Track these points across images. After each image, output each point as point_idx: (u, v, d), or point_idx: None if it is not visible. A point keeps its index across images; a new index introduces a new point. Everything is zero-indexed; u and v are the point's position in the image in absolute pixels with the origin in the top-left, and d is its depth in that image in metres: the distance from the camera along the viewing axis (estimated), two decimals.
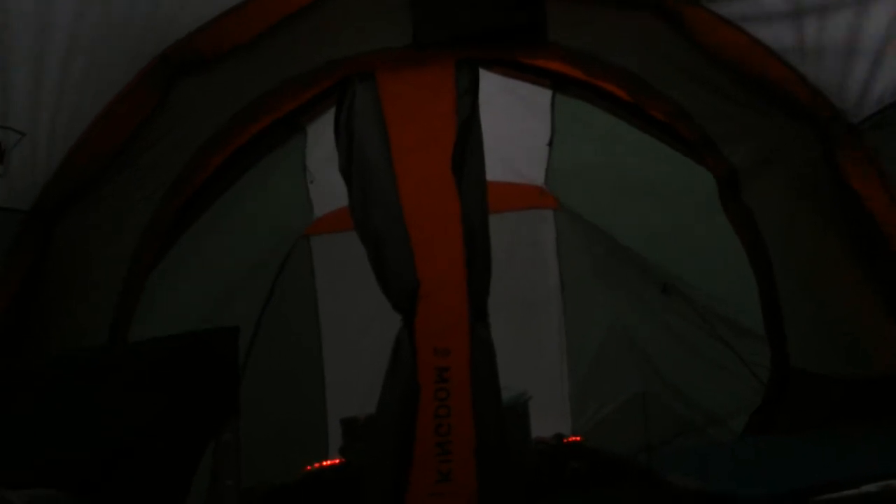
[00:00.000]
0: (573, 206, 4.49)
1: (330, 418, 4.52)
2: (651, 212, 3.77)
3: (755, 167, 2.84)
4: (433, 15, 2.64)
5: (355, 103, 2.82)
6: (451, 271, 2.78)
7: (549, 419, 4.48)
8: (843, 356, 2.80)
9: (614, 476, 3.72)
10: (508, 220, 4.41)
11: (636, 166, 3.61)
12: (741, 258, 3.03)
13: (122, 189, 2.56)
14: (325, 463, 4.42)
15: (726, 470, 2.23)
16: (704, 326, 3.77)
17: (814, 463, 2.15)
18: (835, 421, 2.62)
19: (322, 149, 3.52)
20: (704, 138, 2.84)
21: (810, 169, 2.69)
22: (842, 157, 2.59)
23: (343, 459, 4.26)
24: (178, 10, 2.41)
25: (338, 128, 2.94)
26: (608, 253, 4.37)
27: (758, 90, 2.69)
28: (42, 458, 1.59)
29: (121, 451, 1.67)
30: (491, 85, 3.10)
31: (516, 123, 3.90)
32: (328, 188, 3.92)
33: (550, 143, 4.05)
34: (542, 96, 3.63)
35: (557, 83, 3.20)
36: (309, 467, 4.34)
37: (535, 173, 4.46)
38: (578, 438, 4.55)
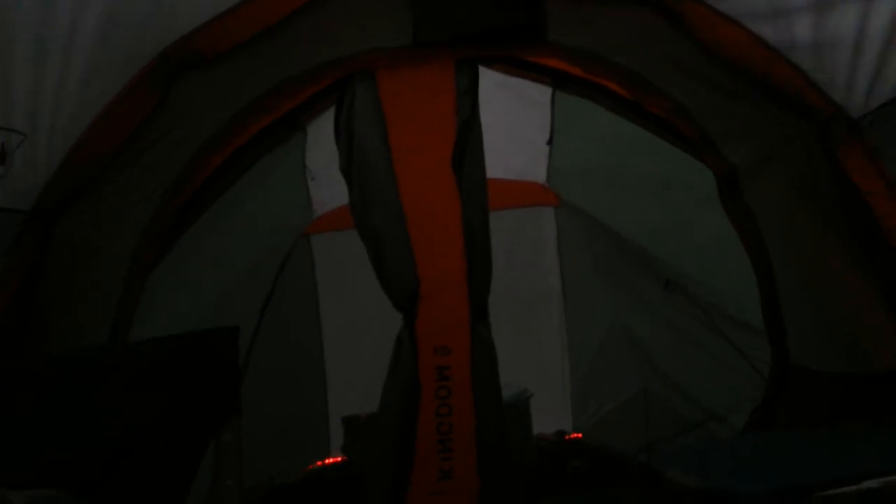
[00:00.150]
0: (575, 203, 4.49)
1: (331, 417, 4.53)
2: (653, 208, 3.77)
3: (755, 166, 2.84)
4: (433, 14, 2.64)
5: (355, 103, 2.82)
6: (452, 270, 2.78)
7: (551, 417, 4.48)
8: (843, 353, 2.80)
9: (615, 474, 3.73)
10: (509, 218, 4.40)
11: (637, 163, 3.61)
12: (743, 253, 3.03)
13: (122, 189, 2.56)
14: (327, 461, 4.43)
15: (727, 467, 2.22)
16: (706, 322, 3.77)
17: (814, 460, 2.14)
18: (835, 418, 2.62)
19: (322, 147, 3.52)
20: (704, 137, 2.83)
21: (811, 167, 2.68)
22: (843, 154, 2.58)
23: (345, 458, 4.27)
24: (178, 10, 2.41)
25: (338, 127, 2.94)
26: (609, 250, 4.37)
27: (758, 87, 2.67)
28: (42, 458, 1.60)
29: (121, 451, 1.68)
30: (491, 82, 3.10)
31: (516, 121, 3.90)
32: (328, 187, 3.93)
33: (550, 141, 4.05)
34: (542, 94, 3.62)
35: (558, 80, 3.20)
36: (311, 466, 4.35)
37: (535, 171, 4.45)
38: (580, 436, 4.56)
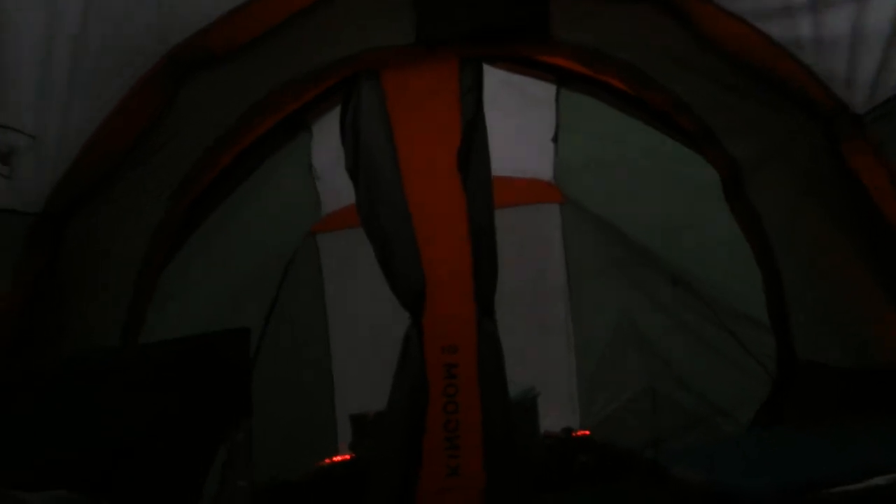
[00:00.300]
0: (581, 200, 4.49)
1: (339, 415, 4.54)
2: (659, 204, 3.76)
3: (758, 161, 2.83)
4: (436, 13, 2.64)
5: (361, 102, 2.83)
6: (458, 269, 2.80)
7: (558, 414, 4.49)
8: (849, 349, 2.80)
9: (622, 470, 3.73)
10: (515, 216, 4.38)
11: (642, 160, 3.61)
12: (748, 249, 3.03)
13: (131, 190, 2.57)
14: (335, 458, 4.44)
15: (733, 463, 2.23)
16: (713, 318, 3.77)
17: (821, 456, 2.14)
18: (842, 413, 2.61)
19: (328, 146, 3.53)
20: (705, 130, 2.82)
21: (815, 162, 2.68)
22: (847, 150, 2.57)
23: (353, 455, 4.29)
24: (185, 10, 2.41)
25: (343, 127, 2.95)
26: (615, 247, 4.37)
27: (762, 83, 2.67)
28: (56, 459, 1.61)
29: (134, 452, 1.69)
30: (495, 80, 3.10)
31: (521, 118, 3.90)
32: (335, 186, 3.94)
33: (555, 139, 4.05)
34: (546, 91, 3.62)
35: (562, 78, 3.20)
36: (319, 463, 4.37)
37: (540, 168, 4.46)
38: (587, 433, 4.56)
